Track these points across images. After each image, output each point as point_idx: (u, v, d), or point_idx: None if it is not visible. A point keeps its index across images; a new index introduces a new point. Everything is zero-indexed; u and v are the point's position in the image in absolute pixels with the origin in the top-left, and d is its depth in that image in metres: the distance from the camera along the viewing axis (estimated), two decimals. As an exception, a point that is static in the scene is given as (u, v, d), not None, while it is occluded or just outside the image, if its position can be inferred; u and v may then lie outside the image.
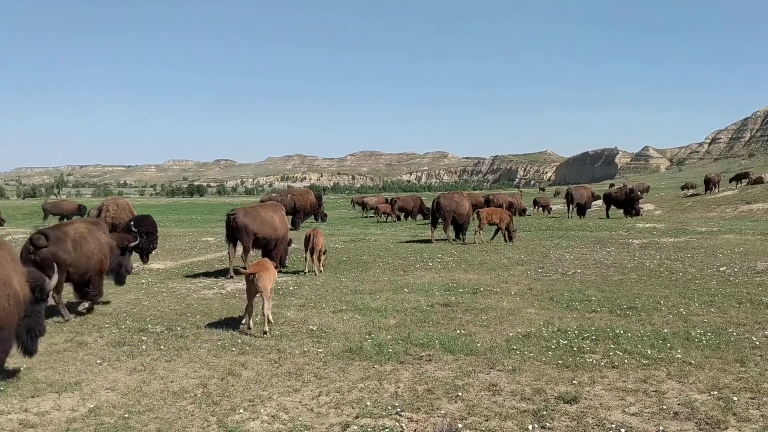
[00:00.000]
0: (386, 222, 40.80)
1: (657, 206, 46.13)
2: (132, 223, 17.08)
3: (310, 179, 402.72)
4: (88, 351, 9.25)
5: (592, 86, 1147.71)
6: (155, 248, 17.34)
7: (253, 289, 10.00)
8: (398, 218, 41.36)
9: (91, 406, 6.97)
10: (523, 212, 43.58)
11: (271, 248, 16.81)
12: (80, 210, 43.39)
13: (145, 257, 17.50)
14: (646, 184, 71.96)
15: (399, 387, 7.48)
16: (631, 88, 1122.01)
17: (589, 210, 39.64)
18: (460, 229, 24.01)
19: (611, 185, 62.65)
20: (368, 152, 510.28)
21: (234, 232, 16.60)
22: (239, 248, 16.71)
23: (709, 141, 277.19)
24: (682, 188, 67.32)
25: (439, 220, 23.80)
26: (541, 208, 47.85)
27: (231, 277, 15.75)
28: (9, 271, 7.30)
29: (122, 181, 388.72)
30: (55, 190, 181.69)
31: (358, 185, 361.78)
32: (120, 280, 13.26)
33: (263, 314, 10.04)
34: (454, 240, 23.95)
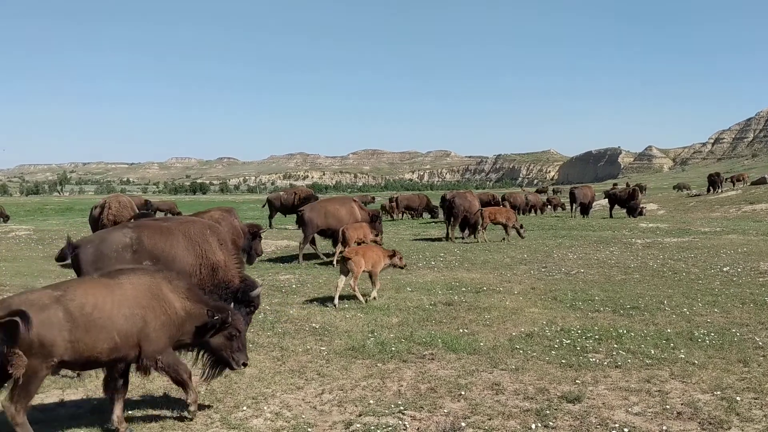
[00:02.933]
0: (391, 220, 40.73)
1: (660, 206, 46.04)
2: (132, 221, 17.11)
3: (312, 177, 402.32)
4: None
5: (595, 86, 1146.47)
6: None
7: (345, 269, 11.94)
8: (412, 216, 40.75)
9: (95, 403, 7.00)
10: (542, 210, 43.22)
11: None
12: (146, 205, 44.27)
13: None
14: (642, 184, 71.70)
15: (402, 385, 7.49)
16: (635, 88, 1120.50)
17: (592, 210, 39.61)
18: (472, 227, 24.41)
19: (614, 185, 62.44)
20: (371, 151, 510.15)
21: (299, 224, 18.78)
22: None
23: (712, 141, 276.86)
24: (674, 188, 67.01)
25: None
26: (552, 207, 47.62)
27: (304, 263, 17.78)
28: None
29: (125, 179, 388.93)
30: (58, 187, 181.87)
31: (360, 184, 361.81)
32: (250, 261, 14.59)
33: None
34: (457, 238, 24.14)
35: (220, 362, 6.67)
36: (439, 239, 24.34)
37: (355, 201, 20.23)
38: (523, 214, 39.63)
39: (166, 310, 6.25)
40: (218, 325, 6.41)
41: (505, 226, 23.50)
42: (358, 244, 16.48)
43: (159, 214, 43.88)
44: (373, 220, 19.18)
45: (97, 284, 6.09)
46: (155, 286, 6.28)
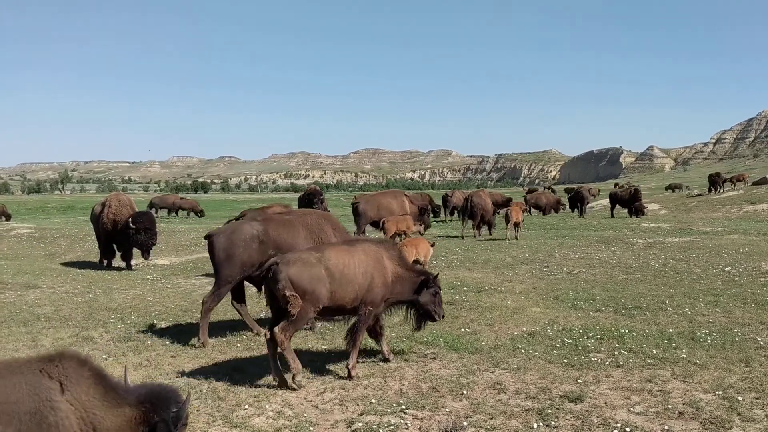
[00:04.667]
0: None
1: (662, 206, 46.03)
2: (130, 219, 17.13)
3: (313, 177, 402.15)
4: (93, 346, 9.29)
5: (597, 85, 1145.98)
6: (154, 244, 17.37)
7: None
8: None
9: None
10: (557, 209, 43.03)
11: None
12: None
13: (145, 253, 17.54)
14: (629, 184, 71.34)
15: (403, 385, 7.49)
16: (637, 88, 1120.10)
17: (593, 210, 39.66)
18: (487, 225, 25.51)
19: (616, 185, 62.35)
20: (372, 150, 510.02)
21: (354, 215, 19.51)
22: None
23: (714, 141, 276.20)
24: (666, 189, 66.77)
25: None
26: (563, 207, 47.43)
27: None
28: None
29: (126, 177, 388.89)
30: (60, 186, 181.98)
31: (361, 183, 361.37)
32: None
33: None
34: (468, 235, 24.93)
35: (426, 315, 8.30)
36: (439, 237, 24.37)
37: (406, 195, 21.35)
38: (545, 213, 39.56)
39: (385, 272, 7.98)
40: (426, 285, 8.09)
41: (516, 225, 23.84)
42: (399, 235, 16.95)
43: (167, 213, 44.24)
44: (421, 213, 20.61)
45: (342, 249, 7.91)
46: (378, 254, 8.03)
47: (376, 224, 19.65)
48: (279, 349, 7.38)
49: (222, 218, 43.84)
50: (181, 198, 48.53)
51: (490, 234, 25.98)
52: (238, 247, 9.34)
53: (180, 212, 45.32)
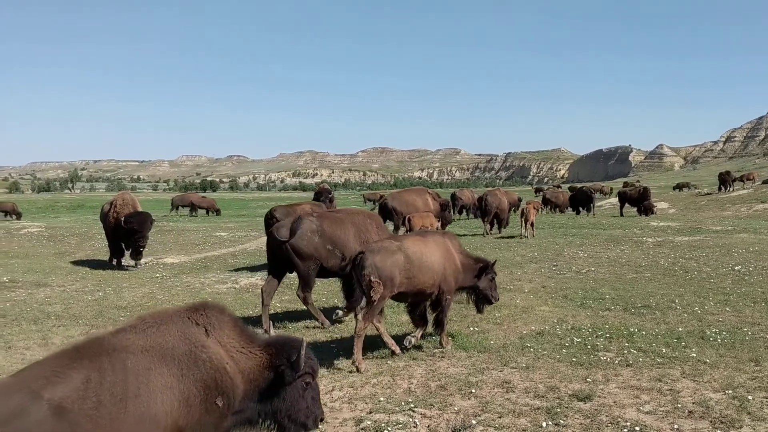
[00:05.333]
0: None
1: (671, 204, 45.85)
2: (122, 219, 17.22)
3: (321, 175, 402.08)
4: (103, 344, 9.31)
5: (606, 84, 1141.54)
6: (141, 246, 17.24)
7: None
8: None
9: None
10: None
11: None
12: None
13: (133, 253, 17.49)
14: (648, 183, 71.02)
15: (412, 383, 7.50)
16: (646, 87, 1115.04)
17: (602, 209, 39.39)
18: (500, 223, 26.17)
19: (625, 183, 62.14)
20: (379, 148, 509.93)
21: (385, 213, 19.70)
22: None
23: (723, 139, 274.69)
24: (674, 188, 66.62)
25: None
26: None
27: None
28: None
29: (135, 176, 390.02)
30: (69, 185, 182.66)
31: (369, 182, 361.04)
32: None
33: None
34: (489, 233, 25.46)
35: (485, 299, 9.15)
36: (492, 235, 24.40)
37: (429, 192, 22.06)
38: (562, 212, 39.44)
39: (454, 261, 8.77)
40: (485, 271, 8.93)
41: (532, 224, 24.28)
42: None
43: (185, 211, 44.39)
44: (443, 210, 21.63)
45: (417, 239, 8.70)
46: (446, 244, 8.85)
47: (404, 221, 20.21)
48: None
49: (231, 216, 43.99)
50: (202, 197, 49.24)
51: (500, 232, 26.12)
52: (301, 239, 10.04)
53: (199, 211, 45.84)
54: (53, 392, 3.57)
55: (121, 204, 18.13)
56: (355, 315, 9.22)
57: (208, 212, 45.64)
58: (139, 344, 4.07)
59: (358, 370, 7.89)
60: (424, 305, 8.90)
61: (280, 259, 10.20)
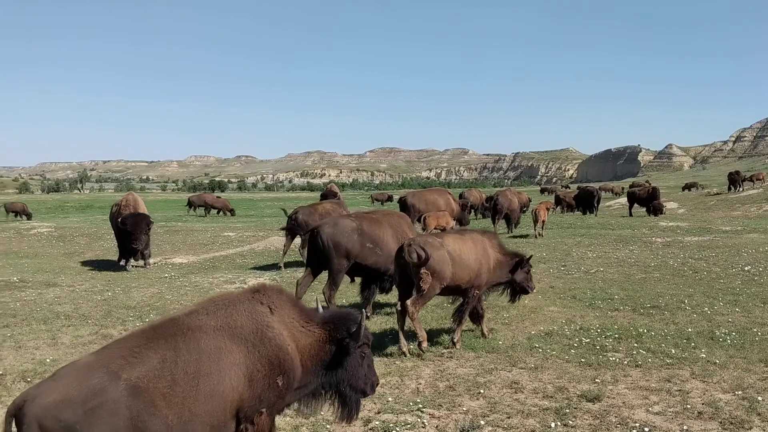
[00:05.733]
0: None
1: (680, 204, 45.63)
2: (119, 220, 17.30)
3: (329, 175, 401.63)
4: (112, 344, 9.35)
5: (615, 84, 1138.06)
6: (136, 247, 17.24)
7: None
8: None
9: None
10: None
11: None
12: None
13: (130, 254, 17.48)
14: (657, 183, 70.57)
15: (420, 383, 7.50)
16: (656, 86, 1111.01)
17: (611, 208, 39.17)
18: (510, 223, 26.51)
19: (631, 184, 61.78)
20: (387, 149, 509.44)
21: (403, 210, 20.11)
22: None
23: (733, 139, 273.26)
24: (683, 189, 66.44)
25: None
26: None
27: None
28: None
29: (144, 177, 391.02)
30: (79, 185, 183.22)
31: (377, 182, 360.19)
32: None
33: None
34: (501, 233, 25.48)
35: (521, 291, 9.69)
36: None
37: (449, 192, 22.95)
38: (573, 212, 39.26)
39: (489, 258, 9.19)
40: (521, 266, 9.41)
41: (543, 224, 24.46)
42: (441, 230, 17.50)
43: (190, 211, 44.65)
44: (463, 209, 22.36)
45: (456, 238, 9.18)
46: (483, 242, 9.27)
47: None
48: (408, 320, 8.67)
49: (239, 217, 44.05)
50: (217, 197, 50.07)
51: (510, 232, 26.20)
52: (341, 237, 10.49)
53: (211, 210, 46.48)
54: (130, 372, 3.84)
55: (124, 205, 18.21)
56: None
57: (220, 212, 46.08)
58: (211, 324, 4.35)
59: (420, 349, 8.58)
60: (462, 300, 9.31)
61: (320, 256, 10.64)
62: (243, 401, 4.30)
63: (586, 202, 38.14)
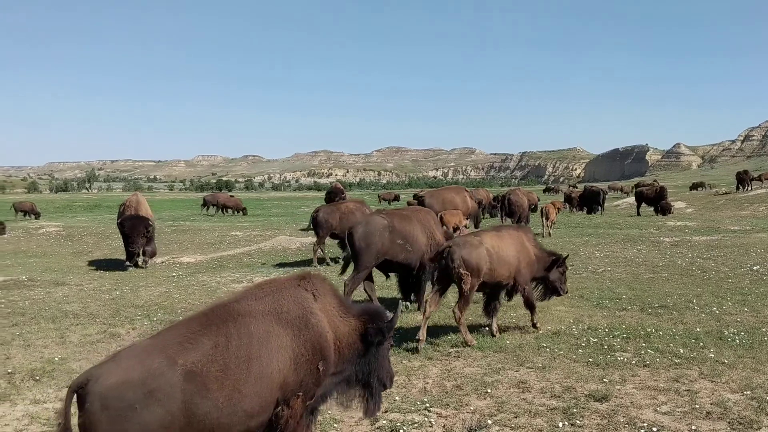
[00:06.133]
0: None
1: (688, 204, 45.46)
2: (119, 221, 17.35)
3: (336, 175, 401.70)
4: (120, 342, 9.40)
5: (623, 83, 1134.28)
6: (132, 251, 17.16)
7: None
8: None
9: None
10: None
11: None
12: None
13: (129, 257, 17.47)
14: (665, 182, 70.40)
15: (427, 383, 7.49)
16: (663, 85, 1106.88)
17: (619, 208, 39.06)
18: (520, 221, 26.35)
19: (637, 184, 61.65)
20: (394, 148, 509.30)
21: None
22: None
23: (741, 138, 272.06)
24: (691, 188, 66.40)
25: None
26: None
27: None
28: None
29: (152, 176, 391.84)
30: (87, 185, 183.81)
31: (384, 181, 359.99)
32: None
33: None
34: None
35: (553, 291, 9.85)
36: None
37: (466, 190, 23.29)
38: (581, 211, 39.23)
39: (528, 255, 9.48)
40: (557, 264, 9.67)
41: (552, 223, 24.96)
42: (455, 229, 17.67)
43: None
44: (479, 207, 23.11)
45: (493, 235, 9.47)
46: (521, 239, 9.59)
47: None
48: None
49: (246, 216, 44.13)
50: (230, 196, 50.86)
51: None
52: (373, 235, 10.90)
53: (214, 209, 46.87)
54: (186, 357, 4.06)
55: (126, 206, 18.20)
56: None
57: (230, 211, 46.39)
58: (260, 309, 4.56)
59: (467, 344, 8.88)
60: (499, 296, 9.68)
61: (352, 251, 11.11)
62: (287, 384, 4.51)
63: (590, 201, 38.32)
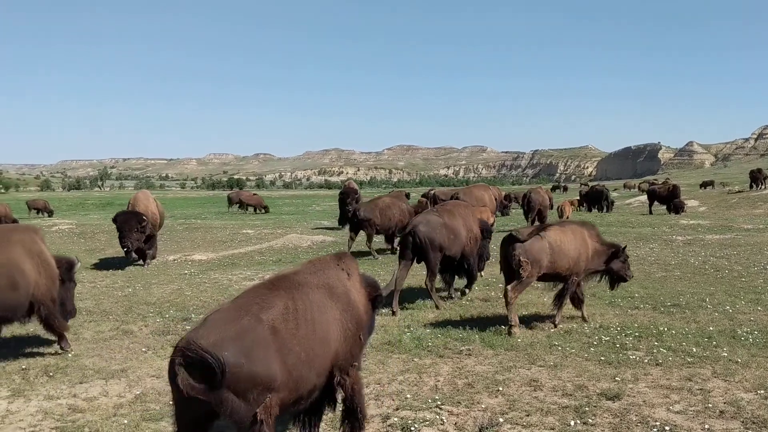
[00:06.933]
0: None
1: (701, 202, 45.19)
2: (113, 217, 17.30)
3: (346, 173, 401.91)
4: (133, 339, 9.45)
5: (635, 80, 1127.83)
6: (124, 247, 16.94)
7: None
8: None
9: (137, 392, 7.13)
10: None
11: None
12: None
13: (126, 254, 17.38)
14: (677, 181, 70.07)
15: (439, 380, 7.49)
16: (676, 83, 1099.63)
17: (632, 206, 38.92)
18: (542, 220, 26.73)
19: (653, 182, 61.52)
20: (405, 146, 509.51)
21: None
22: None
23: (755, 136, 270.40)
24: (701, 186, 66.14)
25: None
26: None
27: None
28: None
29: (164, 174, 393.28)
30: (99, 183, 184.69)
31: (395, 179, 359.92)
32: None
33: None
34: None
35: (619, 278, 10.44)
36: None
37: (492, 188, 24.51)
38: (605, 210, 39.07)
39: (587, 248, 10.05)
40: (617, 255, 10.21)
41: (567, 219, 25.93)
42: None
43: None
44: (502, 205, 24.90)
45: (557, 229, 9.98)
46: (583, 233, 10.11)
47: None
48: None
49: (258, 214, 44.23)
50: (253, 194, 51.25)
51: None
52: (434, 231, 11.54)
53: (248, 208, 47.28)
54: (268, 315, 4.50)
55: (132, 203, 18.14)
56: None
57: (255, 209, 46.64)
58: (315, 282, 5.07)
59: (510, 332, 9.34)
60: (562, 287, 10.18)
61: (417, 251, 11.59)
62: (339, 354, 5.01)
63: (595, 201, 38.71)
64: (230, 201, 48.96)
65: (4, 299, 7.92)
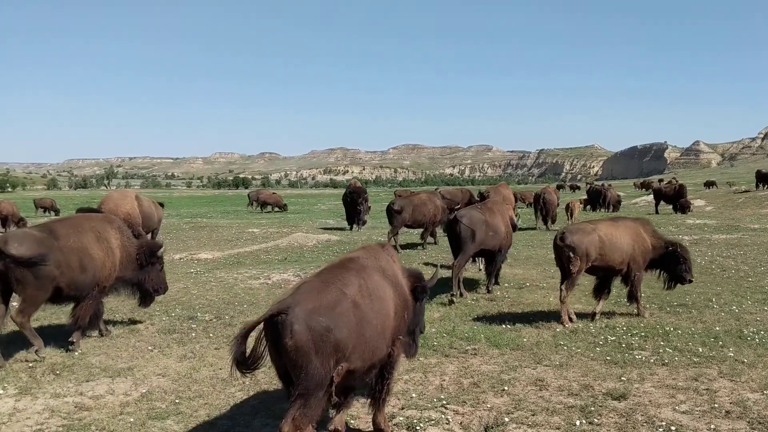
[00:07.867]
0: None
1: (708, 202, 45.03)
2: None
3: (352, 172, 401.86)
4: (139, 338, 9.48)
5: (641, 79, 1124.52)
6: None
7: None
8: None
9: (143, 391, 7.15)
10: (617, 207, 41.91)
11: None
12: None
13: None
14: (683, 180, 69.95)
15: (444, 380, 7.49)
16: (682, 82, 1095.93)
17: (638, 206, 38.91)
18: (552, 219, 27.91)
19: (660, 180, 61.50)
20: (411, 145, 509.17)
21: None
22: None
23: (762, 136, 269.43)
24: (705, 186, 66.21)
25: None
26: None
27: None
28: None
29: (170, 173, 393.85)
30: (105, 181, 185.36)
31: (401, 179, 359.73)
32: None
33: None
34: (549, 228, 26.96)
35: (675, 278, 10.49)
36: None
37: (508, 187, 26.71)
38: (607, 209, 39.05)
39: (642, 243, 10.20)
40: (675, 252, 10.26)
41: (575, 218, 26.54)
42: None
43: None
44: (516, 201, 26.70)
45: (610, 224, 10.28)
46: (636, 228, 10.33)
47: None
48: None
49: (263, 213, 44.29)
50: (272, 193, 52.00)
51: (548, 228, 26.74)
52: (475, 225, 12.12)
53: (266, 206, 47.56)
54: (350, 290, 5.05)
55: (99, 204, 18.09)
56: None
57: (272, 208, 46.91)
58: (372, 265, 5.61)
59: (563, 323, 9.77)
60: (611, 280, 10.47)
61: (458, 241, 12.17)
62: (394, 327, 5.53)
63: (595, 200, 39.50)
64: (250, 200, 49.75)
65: (75, 279, 8.61)
